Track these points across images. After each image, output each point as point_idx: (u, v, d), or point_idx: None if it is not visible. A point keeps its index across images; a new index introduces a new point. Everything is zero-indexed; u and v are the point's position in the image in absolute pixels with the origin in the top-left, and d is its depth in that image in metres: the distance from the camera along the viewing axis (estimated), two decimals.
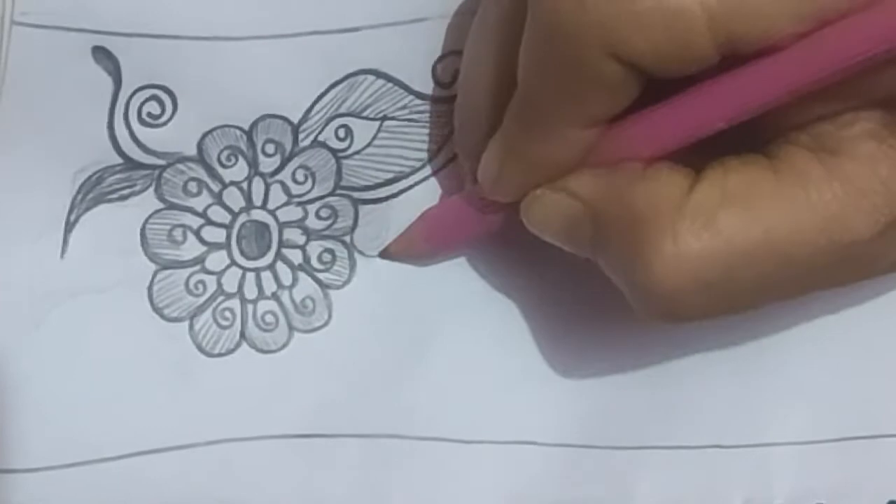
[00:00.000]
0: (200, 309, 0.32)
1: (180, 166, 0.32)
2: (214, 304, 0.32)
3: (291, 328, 0.33)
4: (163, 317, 0.32)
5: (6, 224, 0.31)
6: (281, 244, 0.33)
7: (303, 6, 0.31)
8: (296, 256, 0.33)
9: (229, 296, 0.32)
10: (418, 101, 0.32)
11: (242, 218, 0.32)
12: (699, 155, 0.26)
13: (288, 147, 0.32)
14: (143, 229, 0.32)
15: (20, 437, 0.31)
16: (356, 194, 0.33)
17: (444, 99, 0.32)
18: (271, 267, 0.33)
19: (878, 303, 0.34)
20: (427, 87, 0.32)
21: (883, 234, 0.25)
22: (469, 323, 0.33)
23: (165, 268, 0.32)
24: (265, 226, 0.32)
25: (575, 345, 0.34)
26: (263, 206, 0.32)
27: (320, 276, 0.33)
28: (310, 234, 0.33)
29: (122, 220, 0.32)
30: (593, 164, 0.27)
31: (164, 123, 0.31)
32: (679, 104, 0.26)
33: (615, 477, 0.34)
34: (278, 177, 0.32)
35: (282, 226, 0.33)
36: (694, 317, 0.27)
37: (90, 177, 0.31)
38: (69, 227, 0.31)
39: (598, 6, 0.24)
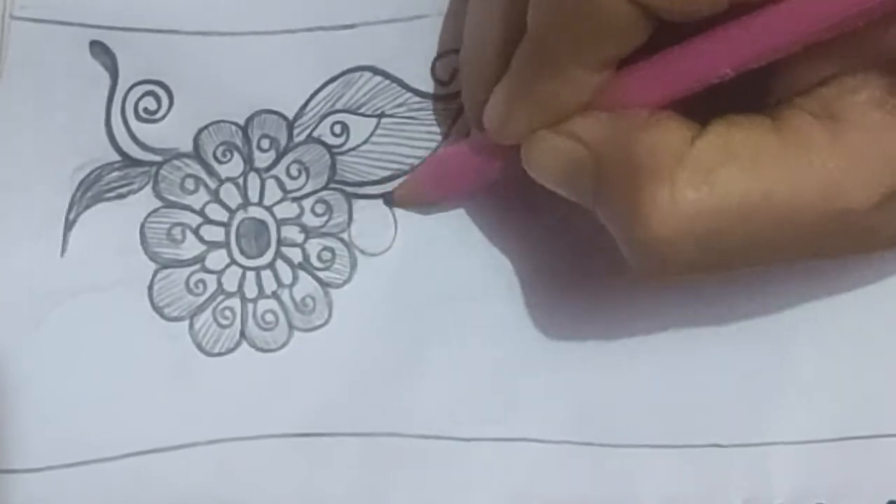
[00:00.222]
0: (200, 308, 0.32)
1: (177, 163, 0.32)
2: (214, 304, 0.32)
3: (291, 327, 0.33)
4: (163, 316, 0.32)
5: (6, 223, 0.31)
6: (280, 242, 0.33)
7: (300, 2, 0.31)
8: (295, 255, 0.33)
9: (229, 295, 0.32)
10: (416, 99, 0.32)
11: (240, 215, 0.32)
12: (705, 113, 0.26)
13: (283, 142, 0.32)
14: (142, 228, 0.32)
15: (20, 437, 0.31)
16: (349, 189, 0.33)
17: (442, 97, 0.32)
18: (271, 265, 0.33)
19: (878, 302, 0.34)
20: (426, 84, 0.32)
21: (881, 206, 0.25)
22: (469, 322, 0.33)
23: (165, 267, 0.32)
24: (263, 223, 0.33)
25: (575, 345, 0.34)
26: (260, 203, 0.32)
27: (320, 274, 0.33)
28: (308, 232, 0.33)
29: (121, 219, 0.32)
30: (599, 109, 0.27)
31: (161, 119, 0.31)
32: (687, 49, 0.26)
33: (615, 476, 0.34)
34: (273, 172, 0.32)
35: (279, 223, 0.33)
36: (686, 270, 0.27)
37: (89, 174, 0.31)
38: (68, 225, 0.31)
39: None
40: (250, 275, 0.33)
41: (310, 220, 0.33)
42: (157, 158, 0.32)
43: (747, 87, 0.26)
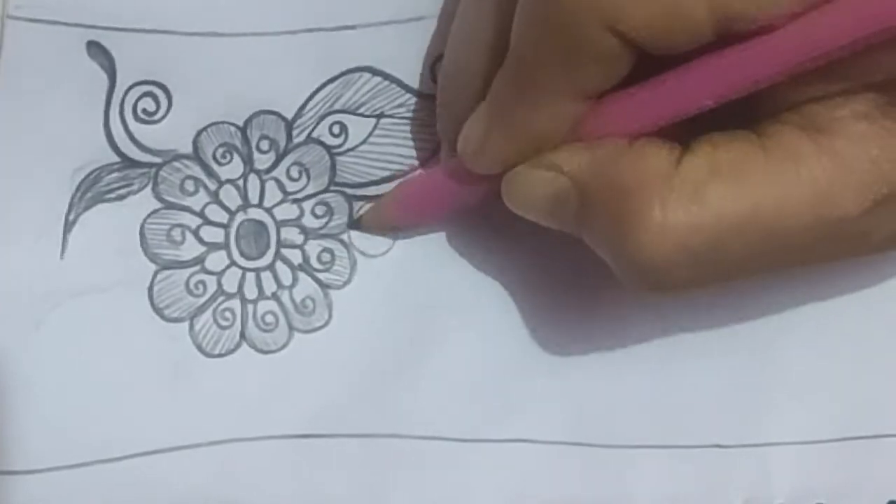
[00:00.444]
0: (201, 309, 0.32)
1: (176, 164, 0.32)
2: (215, 305, 0.32)
3: (291, 328, 0.33)
4: (163, 317, 0.32)
5: (6, 223, 0.31)
6: (279, 244, 0.33)
7: (300, 3, 0.31)
8: (295, 256, 0.33)
9: (229, 296, 0.32)
10: (416, 100, 0.32)
11: (240, 217, 0.32)
12: (686, 132, 0.26)
13: (282, 143, 0.32)
14: (142, 229, 0.32)
15: (20, 438, 0.31)
16: (350, 190, 0.33)
17: None
18: (271, 267, 0.33)
19: (877, 303, 0.34)
20: (425, 85, 0.32)
21: (871, 212, 0.25)
22: (469, 323, 0.33)
23: (165, 268, 0.32)
24: (263, 225, 0.33)
25: (574, 346, 0.34)
26: (260, 205, 0.32)
27: (320, 275, 0.33)
28: (308, 234, 0.33)
29: (121, 220, 0.32)
30: (577, 139, 0.27)
31: (160, 120, 0.31)
32: (668, 81, 0.26)
33: (614, 476, 0.34)
34: (273, 174, 0.32)
35: (279, 224, 0.33)
36: (681, 288, 0.27)
37: (88, 175, 0.31)
38: (68, 226, 0.31)
39: None
40: (250, 276, 0.33)
41: (310, 221, 0.33)
42: (157, 160, 0.32)
43: (731, 106, 0.26)
